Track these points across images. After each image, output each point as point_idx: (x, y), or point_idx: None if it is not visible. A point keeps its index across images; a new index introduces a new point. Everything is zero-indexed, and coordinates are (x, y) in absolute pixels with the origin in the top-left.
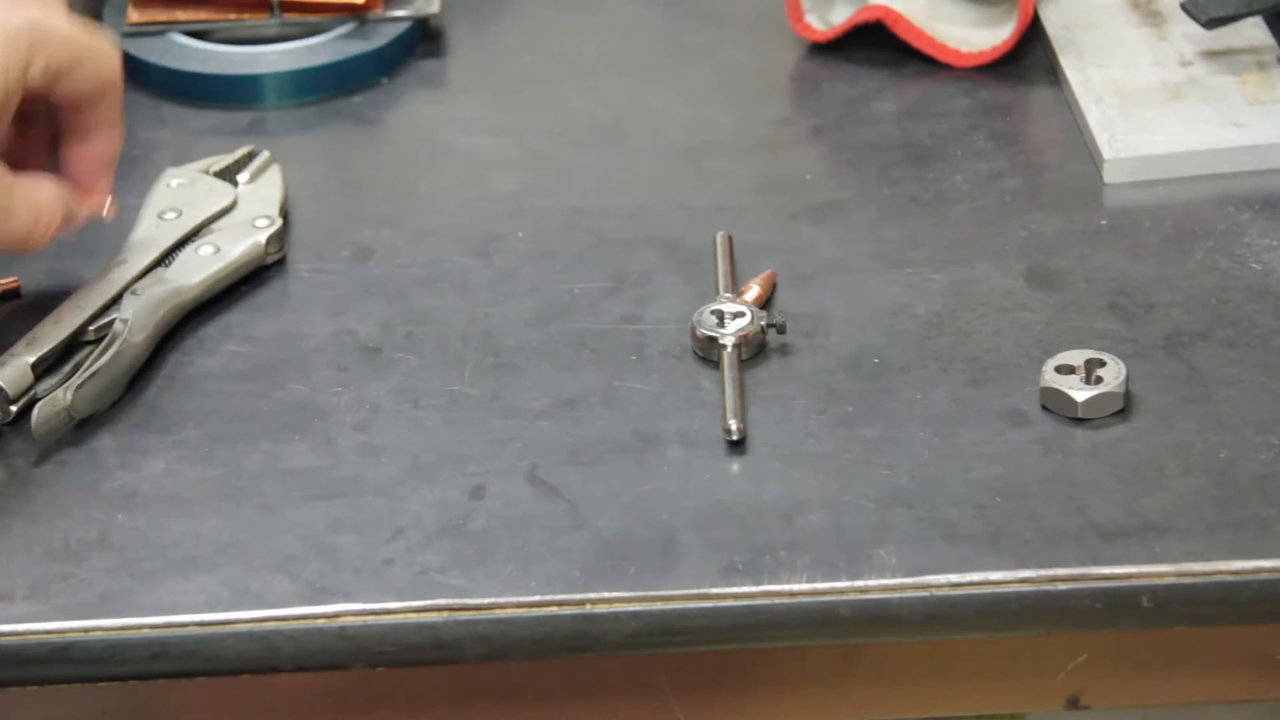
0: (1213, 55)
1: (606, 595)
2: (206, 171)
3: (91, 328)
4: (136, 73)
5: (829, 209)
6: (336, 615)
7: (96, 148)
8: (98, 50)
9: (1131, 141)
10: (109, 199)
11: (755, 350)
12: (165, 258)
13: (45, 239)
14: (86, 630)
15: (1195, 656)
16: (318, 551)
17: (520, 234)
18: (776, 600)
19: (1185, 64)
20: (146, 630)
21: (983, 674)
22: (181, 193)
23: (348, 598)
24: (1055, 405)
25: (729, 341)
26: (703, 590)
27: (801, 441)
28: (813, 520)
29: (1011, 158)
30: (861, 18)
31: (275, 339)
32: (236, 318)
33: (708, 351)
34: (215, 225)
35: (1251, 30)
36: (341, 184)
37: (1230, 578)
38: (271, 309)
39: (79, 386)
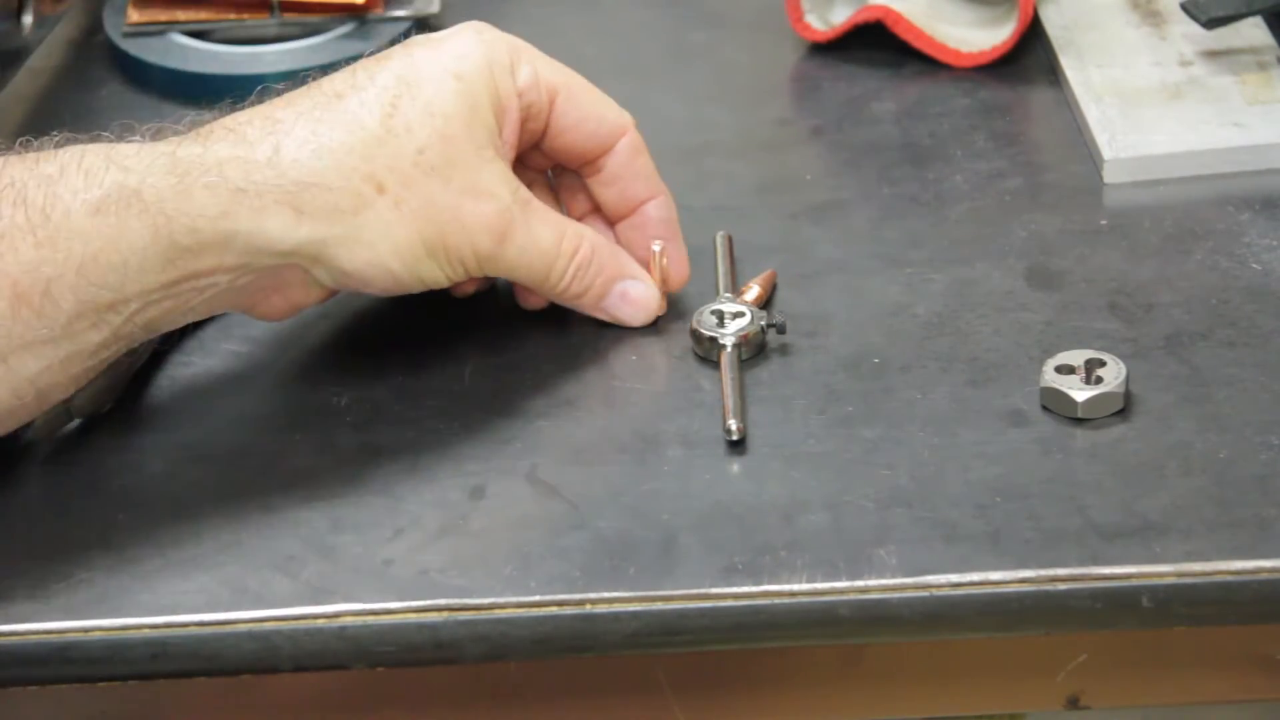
0: (1213, 55)
1: (606, 595)
2: None
3: None
4: (136, 73)
5: (829, 209)
6: (336, 615)
7: (641, 216)
8: (592, 87)
9: (1131, 141)
10: (678, 269)
11: (755, 350)
12: None
13: (571, 275)
14: (86, 630)
15: (1195, 656)
16: (318, 551)
17: None
18: (776, 600)
19: (1185, 64)
20: (146, 630)
21: (983, 674)
22: None
23: (348, 598)
24: (1055, 405)
25: (729, 341)
26: (703, 590)
27: (801, 441)
28: (813, 520)
29: (1011, 158)
30: (861, 18)
31: (275, 339)
32: (236, 318)
33: (708, 351)
34: None
35: (1251, 30)
36: None
37: (1230, 578)
38: None
39: (79, 386)
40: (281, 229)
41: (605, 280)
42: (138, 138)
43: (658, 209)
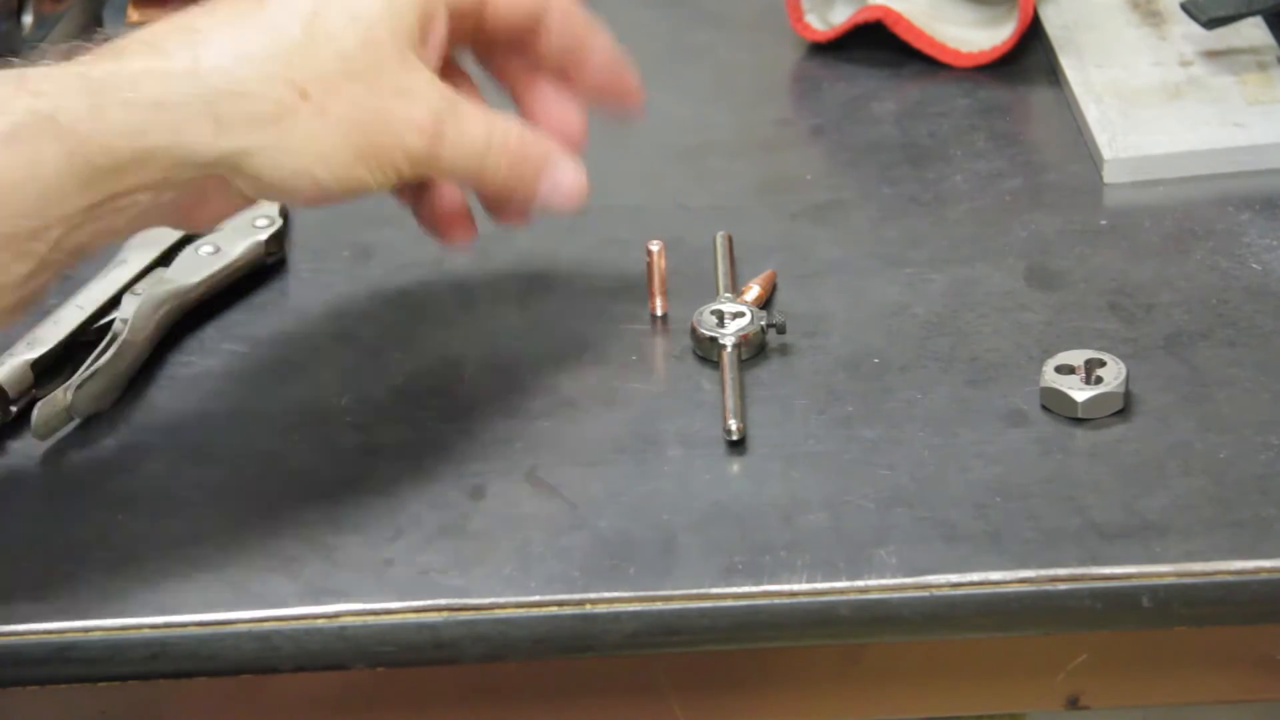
0: (1213, 55)
1: (606, 595)
2: None
3: (92, 328)
4: None
5: (829, 209)
6: (336, 615)
7: (590, 54)
8: None
9: (1131, 141)
10: (632, 90)
11: (755, 350)
12: (165, 258)
13: (505, 167)
14: (86, 630)
15: (1195, 656)
16: (318, 551)
17: (521, 233)
18: (776, 600)
19: (1185, 64)
20: (146, 630)
21: (983, 674)
22: None
23: (348, 598)
24: (1055, 405)
25: (729, 341)
26: (703, 590)
27: (801, 441)
28: (813, 520)
29: (1011, 158)
30: (862, 17)
31: (275, 339)
32: (236, 318)
33: (708, 351)
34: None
35: (1251, 30)
36: None
37: (1230, 578)
38: (271, 309)
39: (79, 386)
40: (201, 141)
41: (535, 168)
42: (48, 60)
43: (601, 42)
